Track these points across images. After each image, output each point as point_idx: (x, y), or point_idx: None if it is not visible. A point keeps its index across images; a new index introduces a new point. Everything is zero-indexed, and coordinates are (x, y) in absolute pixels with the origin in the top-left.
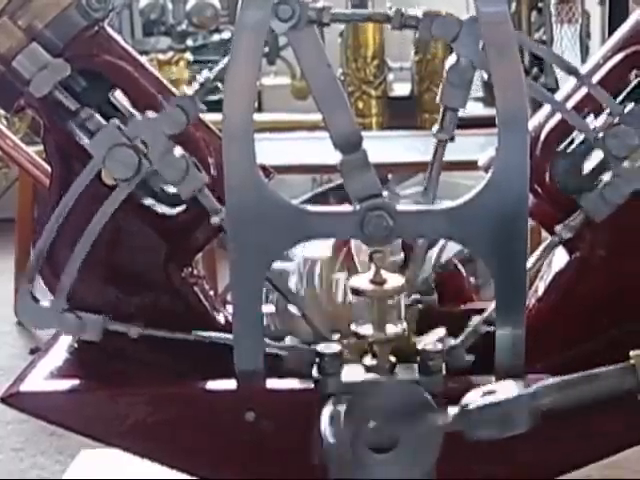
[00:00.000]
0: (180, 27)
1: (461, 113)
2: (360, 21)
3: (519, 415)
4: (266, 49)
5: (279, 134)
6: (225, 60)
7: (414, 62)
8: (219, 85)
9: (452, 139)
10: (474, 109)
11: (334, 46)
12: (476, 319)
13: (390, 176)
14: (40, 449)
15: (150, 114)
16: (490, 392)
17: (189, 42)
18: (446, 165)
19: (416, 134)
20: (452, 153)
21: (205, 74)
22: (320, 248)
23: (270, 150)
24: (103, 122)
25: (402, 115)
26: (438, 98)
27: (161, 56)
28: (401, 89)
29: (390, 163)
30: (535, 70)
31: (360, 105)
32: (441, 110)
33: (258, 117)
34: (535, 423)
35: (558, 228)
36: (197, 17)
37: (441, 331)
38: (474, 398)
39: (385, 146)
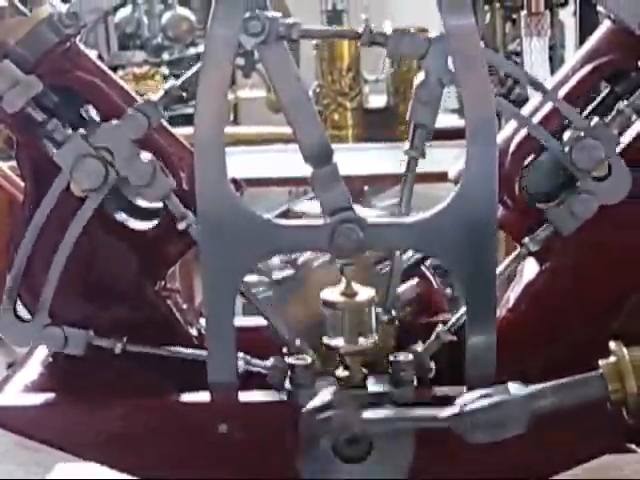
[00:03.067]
0: (155, 41)
1: (438, 125)
2: (329, 38)
3: (517, 417)
4: (242, 62)
5: (255, 147)
6: (192, 70)
7: (389, 74)
8: (184, 94)
9: (423, 155)
10: (449, 121)
11: (310, 58)
12: (440, 328)
13: (366, 188)
14: (17, 462)
15: (113, 121)
16: (486, 395)
17: (165, 56)
18: (421, 177)
19: (392, 146)
20: (427, 164)
21: (171, 82)
22: None
23: (246, 163)
24: (70, 133)
25: (378, 127)
26: (408, 115)
27: (137, 70)
28: (377, 101)
29: (366, 175)
30: (510, 82)
31: (336, 117)
32: (411, 128)
33: (234, 130)
34: (531, 425)
35: (526, 240)
36: (172, 31)
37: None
38: (470, 400)
39: (361, 158)
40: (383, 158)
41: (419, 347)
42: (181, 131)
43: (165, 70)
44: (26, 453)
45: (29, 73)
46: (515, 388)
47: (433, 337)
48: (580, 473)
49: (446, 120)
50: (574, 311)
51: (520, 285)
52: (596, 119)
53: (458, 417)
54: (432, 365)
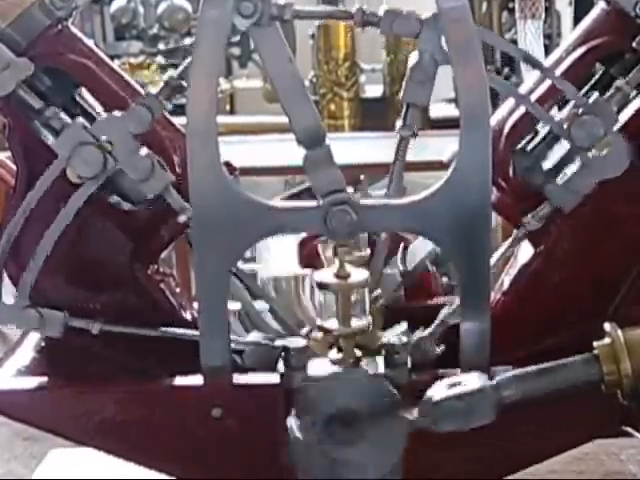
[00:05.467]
0: (151, 31)
1: (434, 114)
2: (322, 18)
3: (484, 406)
4: (238, 52)
5: (251, 136)
6: (189, 59)
7: (386, 63)
8: (184, 84)
9: (414, 135)
10: (446, 110)
11: (306, 48)
12: (445, 311)
13: (362, 177)
14: (14, 454)
15: (116, 113)
16: (454, 384)
17: (161, 46)
18: (419, 165)
19: (388, 135)
20: (423, 153)
21: (170, 73)
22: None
23: (242, 152)
24: (68, 121)
25: (374, 116)
26: (401, 95)
27: (133, 60)
28: (373, 90)
29: (363, 164)
30: (506, 70)
31: (332, 107)
32: (404, 107)
33: (230, 119)
34: (500, 414)
35: (526, 219)
36: (168, 21)
37: (403, 325)
38: (438, 390)
39: (358, 147)
40: (380, 147)
41: (422, 332)
42: (175, 121)
43: (161, 60)
44: (22, 445)
45: (20, 55)
46: (483, 377)
47: (438, 321)
48: (578, 457)
49: (444, 109)
50: (571, 294)
51: (515, 268)
52: (595, 95)
53: (423, 407)
54: (436, 350)
